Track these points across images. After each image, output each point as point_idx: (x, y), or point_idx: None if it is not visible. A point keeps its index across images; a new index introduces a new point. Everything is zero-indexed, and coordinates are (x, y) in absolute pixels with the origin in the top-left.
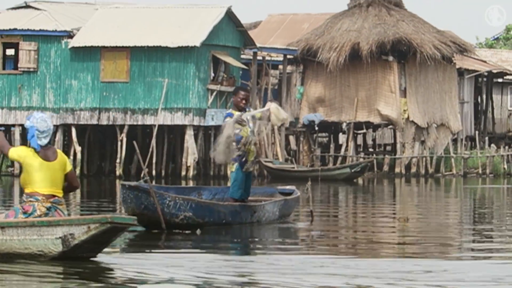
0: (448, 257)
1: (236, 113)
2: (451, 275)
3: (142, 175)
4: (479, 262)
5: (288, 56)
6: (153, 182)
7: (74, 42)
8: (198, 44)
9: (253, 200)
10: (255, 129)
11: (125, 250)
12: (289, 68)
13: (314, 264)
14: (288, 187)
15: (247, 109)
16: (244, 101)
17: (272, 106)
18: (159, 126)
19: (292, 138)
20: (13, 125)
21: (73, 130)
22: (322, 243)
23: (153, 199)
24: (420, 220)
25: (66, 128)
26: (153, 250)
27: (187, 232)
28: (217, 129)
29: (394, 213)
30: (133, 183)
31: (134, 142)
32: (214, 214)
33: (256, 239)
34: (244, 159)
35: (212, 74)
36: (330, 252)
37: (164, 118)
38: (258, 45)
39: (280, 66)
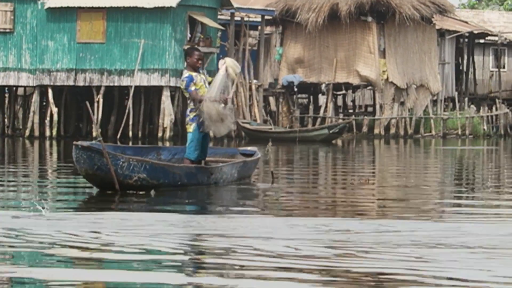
0: (400, 217)
1: (193, 74)
2: (394, 235)
3: (95, 135)
4: (430, 223)
5: (267, 17)
6: (130, 143)
7: (50, 3)
8: (174, 5)
9: (213, 161)
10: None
11: (77, 209)
12: (268, 29)
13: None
14: (249, 148)
15: (201, 70)
16: (199, 62)
17: (227, 59)
18: (136, 87)
19: (272, 99)
20: None
21: (50, 91)
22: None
23: (106, 160)
24: (384, 181)
25: (42, 89)
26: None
27: (141, 193)
28: None
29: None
30: (85, 143)
31: (87, 103)
32: (168, 176)
33: (212, 200)
34: (201, 119)
35: (189, 35)
36: (284, 213)
37: (141, 79)
38: (236, 5)
39: (259, 27)
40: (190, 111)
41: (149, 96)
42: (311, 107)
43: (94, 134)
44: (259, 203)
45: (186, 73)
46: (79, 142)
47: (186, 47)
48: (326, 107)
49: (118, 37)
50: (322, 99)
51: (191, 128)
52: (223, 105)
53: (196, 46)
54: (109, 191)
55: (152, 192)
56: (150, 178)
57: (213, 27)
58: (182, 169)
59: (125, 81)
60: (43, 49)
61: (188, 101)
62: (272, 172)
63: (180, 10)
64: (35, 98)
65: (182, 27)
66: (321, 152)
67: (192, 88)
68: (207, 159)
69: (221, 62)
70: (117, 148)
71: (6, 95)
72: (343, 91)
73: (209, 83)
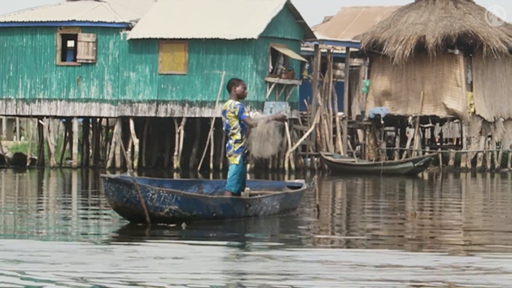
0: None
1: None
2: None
3: (127, 167)
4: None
5: (354, 49)
6: (211, 175)
7: (132, 34)
8: (256, 37)
9: (258, 194)
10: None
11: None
12: (357, 62)
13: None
14: (297, 180)
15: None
16: (246, 91)
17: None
18: (218, 118)
19: (360, 132)
20: (72, 117)
21: (131, 122)
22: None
23: (135, 192)
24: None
25: (124, 120)
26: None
27: (171, 225)
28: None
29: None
30: (113, 176)
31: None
32: (202, 208)
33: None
34: (246, 151)
35: (271, 67)
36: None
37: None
38: (320, 37)
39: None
40: (235, 142)
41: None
42: (397, 139)
43: (174, 165)
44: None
45: (234, 102)
46: (107, 175)
47: (267, 78)
48: (412, 139)
49: (199, 68)
50: (410, 132)
51: (236, 160)
52: (273, 124)
53: (277, 78)
54: (139, 224)
55: (183, 225)
56: (182, 210)
57: (296, 59)
58: (217, 200)
59: (207, 112)
60: (125, 80)
61: (233, 131)
62: (317, 205)
63: (262, 42)
64: (117, 129)
65: (264, 58)
66: (404, 185)
67: (246, 114)
68: (253, 191)
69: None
70: (153, 181)
71: (91, 125)
72: (430, 124)
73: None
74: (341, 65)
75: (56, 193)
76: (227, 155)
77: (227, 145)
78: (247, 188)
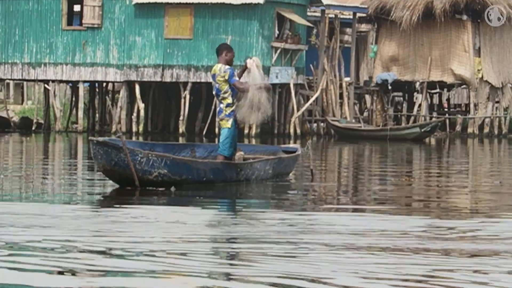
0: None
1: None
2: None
3: (115, 130)
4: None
5: (361, 15)
6: (216, 140)
7: None
8: (261, 1)
9: (252, 158)
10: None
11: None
12: (365, 27)
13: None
14: (292, 145)
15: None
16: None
17: (255, 58)
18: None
19: (368, 97)
20: (78, 82)
21: (137, 87)
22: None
23: (124, 155)
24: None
25: (130, 85)
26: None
27: (160, 189)
28: (282, 87)
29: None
30: (101, 139)
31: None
32: (192, 172)
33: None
34: (238, 115)
35: (277, 32)
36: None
37: None
38: (326, 2)
39: (358, 25)
40: (227, 106)
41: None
42: (405, 105)
43: (180, 130)
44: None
45: (224, 66)
46: (95, 138)
47: (273, 43)
48: (419, 105)
49: (205, 33)
50: (418, 97)
51: (228, 123)
52: (265, 93)
53: (283, 43)
54: (128, 187)
55: (173, 189)
56: (171, 174)
57: (302, 24)
58: (207, 164)
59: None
60: (130, 45)
61: (224, 95)
62: (311, 170)
63: (268, 7)
64: (122, 93)
65: (270, 23)
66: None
67: (236, 78)
68: (246, 156)
69: (249, 61)
70: (145, 144)
71: (97, 89)
72: (438, 90)
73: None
74: (348, 30)
75: (57, 157)
76: (218, 119)
77: (217, 109)
78: (241, 152)
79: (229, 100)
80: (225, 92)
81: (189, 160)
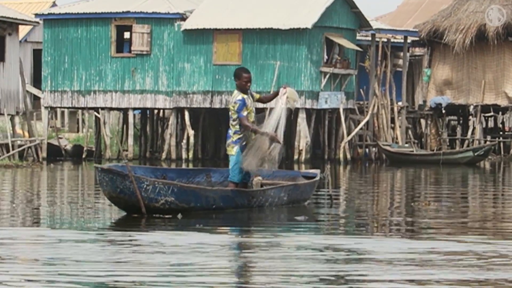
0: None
1: (245, 97)
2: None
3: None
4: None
5: (414, 39)
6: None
7: (186, 25)
8: (310, 26)
9: (270, 184)
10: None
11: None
12: (420, 51)
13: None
14: (312, 170)
15: (249, 91)
16: (249, 84)
17: (288, 89)
18: (272, 109)
19: (423, 122)
20: (127, 109)
21: (186, 114)
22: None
23: (130, 182)
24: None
25: (179, 112)
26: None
27: (167, 216)
28: (332, 112)
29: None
30: (106, 166)
31: None
32: (201, 199)
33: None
34: (244, 142)
35: (326, 57)
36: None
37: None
38: (382, 27)
39: (412, 49)
40: (234, 133)
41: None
42: (459, 129)
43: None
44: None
45: (238, 95)
46: (100, 165)
47: (322, 68)
48: (473, 129)
49: (254, 58)
50: (473, 121)
51: (233, 150)
52: (273, 145)
53: (332, 67)
54: (135, 215)
55: (179, 216)
56: (179, 201)
57: (351, 49)
58: (217, 192)
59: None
60: (179, 71)
61: (233, 122)
62: (330, 195)
63: (317, 32)
64: (172, 120)
65: (318, 48)
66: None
67: (244, 113)
68: (264, 181)
69: (282, 91)
70: (157, 170)
71: (148, 116)
72: (492, 113)
73: (258, 100)
74: (401, 54)
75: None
76: (226, 145)
77: (227, 135)
78: (259, 177)
79: (237, 127)
80: (234, 120)
81: (197, 188)
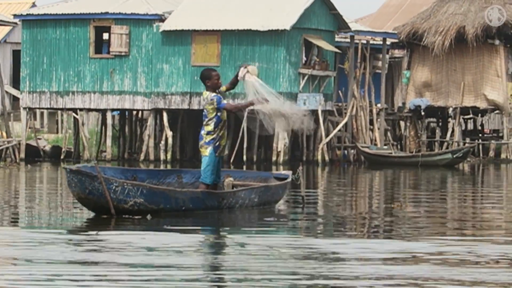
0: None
1: (216, 94)
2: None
3: (90, 158)
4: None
5: (394, 40)
6: (244, 167)
7: (165, 26)
8: (288, 28)
9: (242, 185)
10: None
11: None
12: (399, 53)
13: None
14: (284, 172)
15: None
16: (220, 80)
17: (249, 67)
18: (252, 110)
19: (403, 124)
20: (106, 110)
21: (165, 115)
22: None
23: (99, 184)
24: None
25: (158, 113)
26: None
27: (136, 217)
28: (311, 114)
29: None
30: (74, 167)
31: None
32: (170, 201)
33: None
34: (217, 143)
35: (304, 58)
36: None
37: None
38: (355, 28)
39: (391, 51)
40: (207, 134)
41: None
42: (437, 131)
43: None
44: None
45: (210, 94)
46: (69, 166)
47: (301, 70)
48: (452, 131)
49: (232, 60)
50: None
51: (206, 151)
52: (288, 104)
53: (311, 69)
54: (104, 215)
55: (149, 217)
56: (148, 203)
57: (330, 50)
58: (186, 194)
59: None
60: (158, 73)
61: (209, 121)
62: (303, 197)
63: (295, 33)
64: (150, 121)
65: (297, 50)
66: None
67: (225, 102)
68: (236, 182)
69: (242, 70)
70: (127, 171)
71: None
72: (471, 115)
73: (226, 90)
74: (380, 56)
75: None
76: (199, 146)
77: (199, 135)
78: (230, 178)
79: (210, 128)
80: (210, 119)
81: (167, 189)
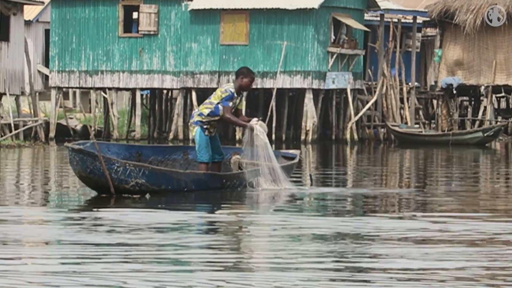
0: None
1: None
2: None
3: (90, 136)
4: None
5: (425, 19)
6: (273, 147)
7: (194, 5)
8: (316, 6)
9: (247, 163)
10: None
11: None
12: (431, 31)
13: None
14: (291, 151)
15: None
16: (251, 87)
17: (257, 127)
18: (281, 89)
19: (435, 102)
20: (134, 89)
21: (193, 94)
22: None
23: (99, 163)
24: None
25: (186, 92)
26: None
27: (135, 196)
28: (340, 93)
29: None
30: (76, 146)
31: None
32: (172, 182)
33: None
34: (205, 127)
35: (333, 37)
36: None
37: (283, 82)
38: (384, 7)
39: (424, 29)
40: (199, 115)
41: (294, 99)
42: (470, 109)
43: (237, 136)
44: None
45: (231, 88)
46: (70, 145)
47: (329, 49)
48: (484, 109)
49: (261, 38)
50: (484, 101)
51: (194, 130)
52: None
53: (339, 48)
54: (104, 194)
55: (147, 196)
56: (149, 184)
57: (358, 29)
58: (189, 175)
59: (268, 83)
60: (186, 52)
61: (209, 105)
62: (310, 175)
63: (324, 12)
64: (179, 100)
65: (325, 28)
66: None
67: (230, 104)
68: (244, 160)
69: (254, 120)
70: (132, 147)
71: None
72: (503, 94)
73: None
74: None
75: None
76: (189, 124)
77: (191, 114)
78: (237, 156)
79: (205, 111)
80: (209, 103)
81: (168, 170)
